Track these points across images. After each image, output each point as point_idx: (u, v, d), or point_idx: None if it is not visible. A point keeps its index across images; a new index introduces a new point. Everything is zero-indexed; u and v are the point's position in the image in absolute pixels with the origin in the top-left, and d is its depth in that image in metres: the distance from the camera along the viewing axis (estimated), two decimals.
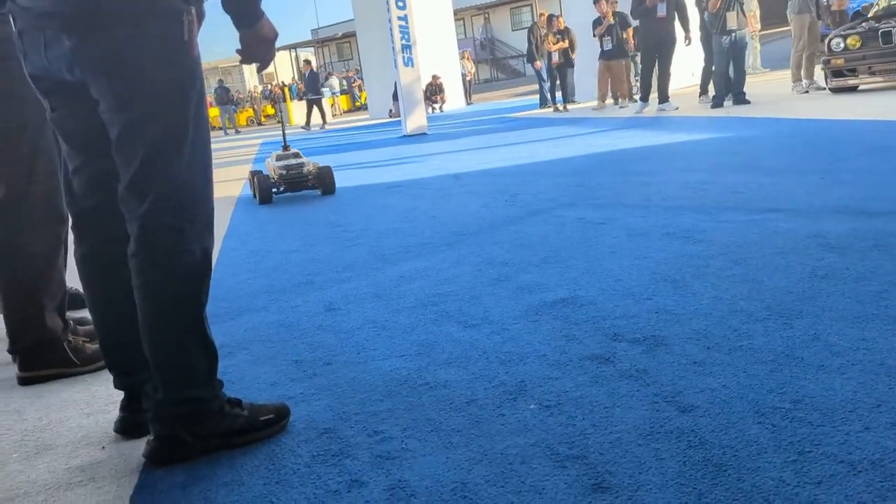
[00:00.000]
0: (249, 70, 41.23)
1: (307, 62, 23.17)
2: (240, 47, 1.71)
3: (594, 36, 11.43)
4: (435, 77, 19.59)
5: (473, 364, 2.02)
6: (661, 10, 9.04)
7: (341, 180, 6.41)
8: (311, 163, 6.03)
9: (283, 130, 6.95)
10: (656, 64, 9.47)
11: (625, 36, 11.37)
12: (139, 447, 1.70)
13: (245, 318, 2.72)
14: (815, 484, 1.27)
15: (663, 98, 9.36)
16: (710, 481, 1.32)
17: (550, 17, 13.70)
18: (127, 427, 1.80)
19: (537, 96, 15.21)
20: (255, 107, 32.89)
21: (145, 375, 1.66)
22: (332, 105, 27.19)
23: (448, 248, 3.50)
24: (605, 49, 11.21)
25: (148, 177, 1.55)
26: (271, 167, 6.03)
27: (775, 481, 1.30)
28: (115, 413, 1.86)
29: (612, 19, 11.07)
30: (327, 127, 20.03)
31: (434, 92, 19.54)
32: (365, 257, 3.52)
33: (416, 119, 12.03)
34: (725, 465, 1.37)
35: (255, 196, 6.09)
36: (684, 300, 2.31)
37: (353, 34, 30.53)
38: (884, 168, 4.06)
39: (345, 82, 32.07)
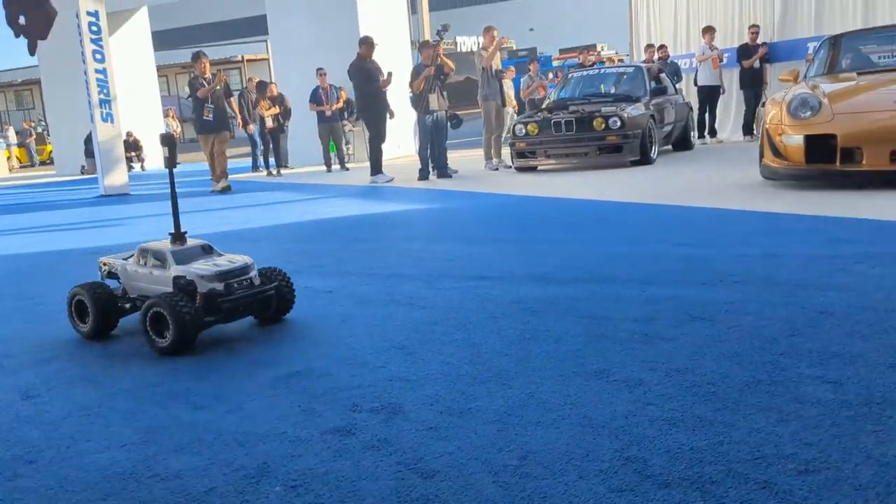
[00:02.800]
0: None
1: None
2: None
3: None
4: (129, 134, 18.31)
5: (208, 448, 1.90)
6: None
7: (24, 244, 5.64)
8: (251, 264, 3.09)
9: (175, 208, 3.26)
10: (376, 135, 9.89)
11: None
12: None
13: None
14: None
15: (376, 170, 9.84)
16: None
17: (261, 83, 13.75)
18: None
19: (249, 159, 15.02)
20: None
21: None
22: (10, 158, 23.97)
23: None
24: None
25: None
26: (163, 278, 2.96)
27: None
28: None
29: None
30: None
31: (129, 149, 18.22)
32: (68, 333, 3.13)
33: (116, 177, 11.15)
34: None
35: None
36: (415, 366, 2.43)
37: (36, 81, 27.42)
38: (564, 239, 4.71)
39: (25, 133, 28.51)
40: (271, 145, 13.32)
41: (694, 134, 11.25)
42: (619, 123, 8.78)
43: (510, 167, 9.97)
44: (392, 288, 3.60)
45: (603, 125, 8.87)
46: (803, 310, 2.69)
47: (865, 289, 2.89)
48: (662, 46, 12.41)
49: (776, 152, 5.80)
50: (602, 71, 11.49)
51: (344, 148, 13.52)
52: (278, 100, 13.49)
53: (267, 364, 2.56)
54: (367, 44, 9.63)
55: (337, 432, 1.94)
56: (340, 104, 13.19)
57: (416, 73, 9.58)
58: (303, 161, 14.32)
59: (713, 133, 11.77)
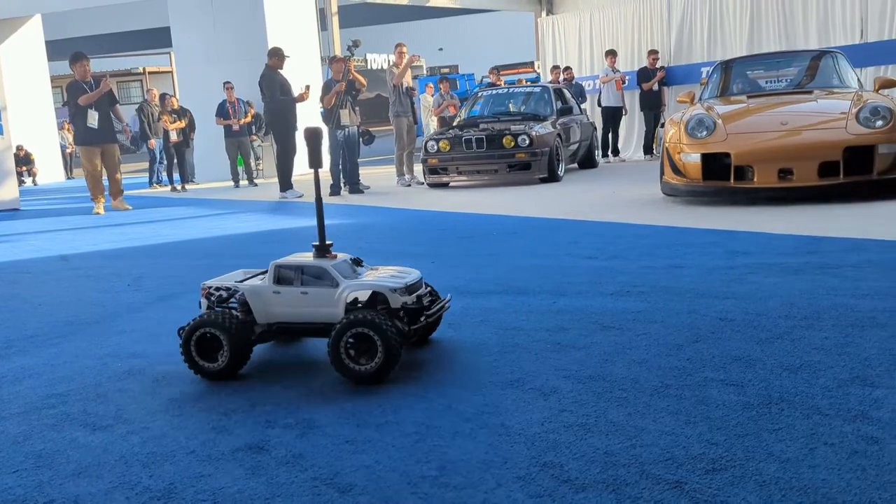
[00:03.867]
0: None
1: None
2: None
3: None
4: (20, 147, 17.31)
5: (109, 471, 1.80)
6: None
7: None
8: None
9: (321, 215, 2.73)
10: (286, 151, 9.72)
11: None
12: None
13: None
14: None
15: (285, 185, 9.66)
16: None
17: (163, 96, 13.30)
18: None
19: (145, 175, 14.45)
20: None
21: None
22: None
23: (62, 340, 3.09)
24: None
25: None
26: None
27: None
28: None
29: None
30: None
31: (20, 163, 17.21)
32: None
33: (5, 192, 10.50)
34: None
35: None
36: (329, 381, 2.38)
37: None
38: (477, 252, 4.75)
39: None
40: (175, 160, 12.89)
41: (598, 153, 11.64)
42: (527, 141, 8.99)
43: (423, 183, 10.02)
44: None
45: (512, 143, 9.06)
46: (705, 317, 2.81)
47: (760, 297, 3.05)
48: (568, 68, 12.82)
49: (676, 170, 6.08)
50: (510, 90, 11.74)
51: (252, 163, 13.25)
52: (182, 113, 13.09)
53: (172, 382, 2.45)
54: (276, 55, 9.48)
55: (249, 449, 1.88)
56: (248, 118, 12.93)
57: (326, 88, 9.51)
58: (209, 177, 13.92)
59: (616, 152, 12.22)
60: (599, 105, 12.29)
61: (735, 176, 5.71)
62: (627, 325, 2.79)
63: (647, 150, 11.68)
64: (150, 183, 13.77)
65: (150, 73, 30.58)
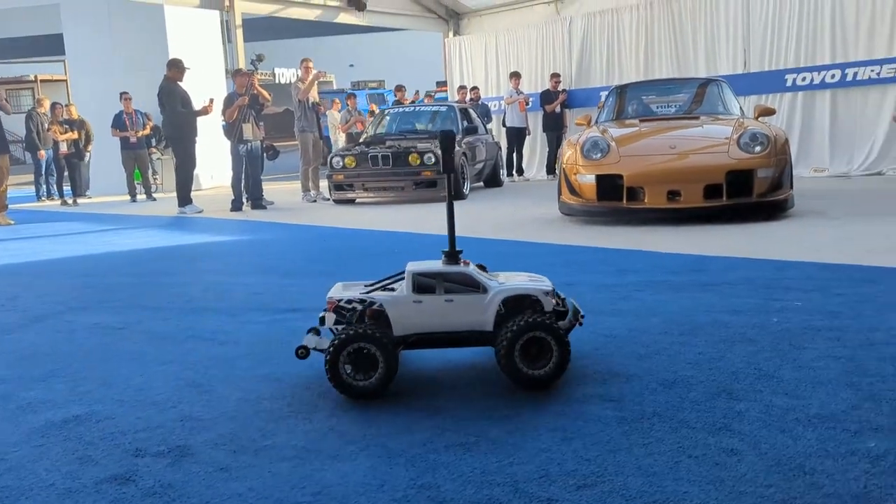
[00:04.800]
0: None
1: None
2: None
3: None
4: None
5: None
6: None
7: None
8: None
9: (451, 221, 2.58)
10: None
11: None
12: None
13: None
14: None
15: (185, 200, 9.35)
16: None
17: (53, 105, 12.66)
18: None
19: (32, 187, 13.71)
20: None
21: None
22: None
23: None
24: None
25: None
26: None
27: None
28: None
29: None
30: None
31: None
32: None
33: None
34: None
35: None
36: (211, 405, 2.30)
37: None
38: (381, 270, 4.70)
39: None
40: (66, 172, 12.27)
41: (503, 172, 11.87)
42: (433, 160, 9.06)
43: (328, 199, 9.92)
44: (193, 323, 3.41)
45: (418, 161, 9.11)
46: (592, 334, 2.89)
47: (644, 314, 3.17)
48: (475, 88, 13.04)
49: (572, 190, 6.27)
50: (417, 109, 11.83)
51: (150, 177, 12.78)
52: (78, 124, 12.50)
53: (37, 409, 2.31)
54: (176, 66, 9.20)
55: (115, 480, 1.78)
56: (147, 130, 12.47)
57: (229, 101, 9.31)
58: (105, 190, 13.32)
59: (520, 171, 12.49)
60: (504, 125, 12.55)
61: (627, 197, 5.93)
62: None
63: (550, 170, 12.00)
64: (38, 196, 13.06)
65: (42, 80, 29.06)
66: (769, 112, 6.97)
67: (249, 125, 9.14)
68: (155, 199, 12.00)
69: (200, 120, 9.42)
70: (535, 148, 13.03)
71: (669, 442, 1.87)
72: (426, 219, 7.57)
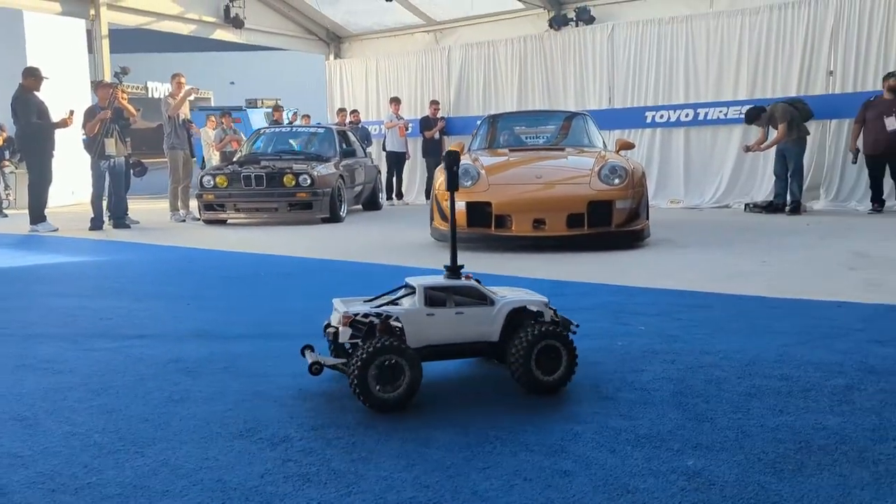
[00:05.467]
0: None
1: None
2: None
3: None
4: None
5: None
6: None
7: None
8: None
9: (454, 237, 2.76)
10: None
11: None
12: None
13: None
14: None
15: (38, 218, 8.72)
16: None
17: None
18: None
19: None
20: None
21: None
22: None
23: None
24: None
25: None
26: None
27: None
28: None
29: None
30: None
31: None
32: None
33: None
34: None
35: None
36: (34, 440, 2.14)
37: None
38: (240, 294, 4.59)
39: None
40: None
41: (382, 195, 11.89)
42: (309, 181, 8.95)
43: (198, 219, 9.57)
44: (26, 350, 3.16)
45: (293, 182, 8.97)
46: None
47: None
48: (355, 111, 13.05)
49: (443, 216, 6.36)
50: (295, 129, 11.68)
51: (2, 192, 11.87)
52: None
53: None
54: (33, 75, 8.64)
55: None
56: None
57: (90, 114, 8.82)
58: None
59: (400, 195, 12.57)
60: (384, 149, 12.61)
61: (496, 224, 6.10)
62: None
63: (429, 195, 12.14)
64: None
65: None
66: (629, 146, 7.38)
67: (113, 140, 8.68)
68: (6, 216, 11.15)
69: (61, 133, 8.87)
70: (414, 172, 13.17)
71: (507, 465, 1.91)
72: (298, 241, 7.45)
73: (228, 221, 9.51)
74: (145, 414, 2.36)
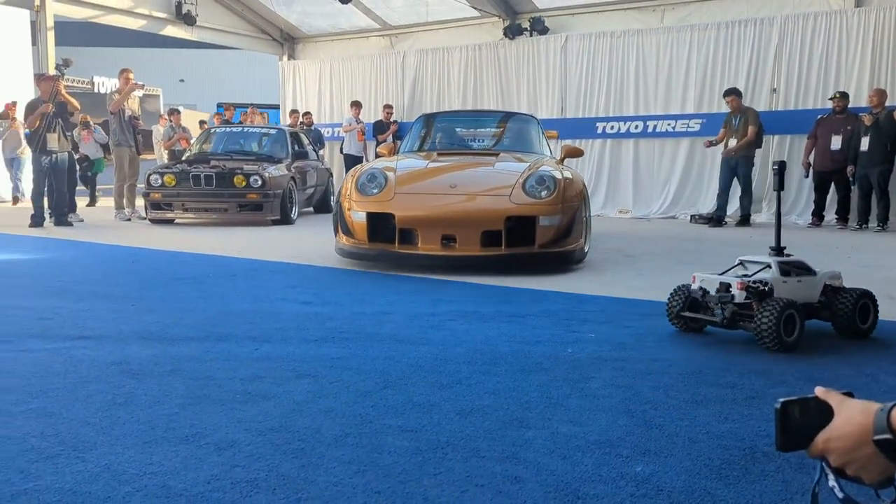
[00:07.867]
0: None
1: None
2: None
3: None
4: None
5: None
6: None
7: None
8: None
9: (778, 229, 3.66)
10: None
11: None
12: None
13: None
14: None
15: None
16: None
17: None
18: None
19: None
20: None
21: None
22: None
23: None
24: None
25: None
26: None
27: None
28: None
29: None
30: None
31: None
32: None
33: None
34: None
35: None
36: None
37: None
38: (186, 296, 4.49)
39: None
40: None
41: (335, 198, 11.78)
42: (259, 182, 8.82)
43: (145, 218, 9.33)
44: None
45: (244, 183, 8.83)
46: (398, 364, 2.91)
47: (451, 343, 3.24)
48: (307, 113, 12.93)
49: (346, 229, 5.49)
50: (246, 129, 11.50)
51: None
52: None
53: None
54: None
55: None
56: None
57: (31, 107, 8.53)
58: None
59: None
60: (342, 152, 12.52)
61: (400, 239, 5.21)
62: (323, 373, 2.78)
63: None
64: None
65: None
66: (576, 153, 6.77)
67: (55, 135, 8.42)
68: None
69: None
70: None
71: (459, 471, 1.90)
72: (248, 243, 7.32)
73: (176, 221, 9.30)
74: (86, 417, 2.29)
